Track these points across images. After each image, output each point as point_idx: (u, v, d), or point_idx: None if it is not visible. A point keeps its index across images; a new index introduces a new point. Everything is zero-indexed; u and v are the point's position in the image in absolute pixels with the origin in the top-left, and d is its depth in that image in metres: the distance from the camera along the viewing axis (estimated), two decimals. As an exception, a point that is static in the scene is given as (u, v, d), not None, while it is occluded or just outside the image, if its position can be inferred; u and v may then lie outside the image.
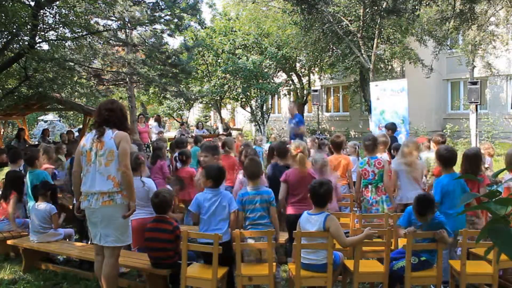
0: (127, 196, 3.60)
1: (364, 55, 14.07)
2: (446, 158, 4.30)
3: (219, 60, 19.02)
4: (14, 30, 8.02)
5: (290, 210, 4.52)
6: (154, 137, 13.86)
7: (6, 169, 6.55)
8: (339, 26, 14.45)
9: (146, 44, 15.12)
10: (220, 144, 6.44)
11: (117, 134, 3.61)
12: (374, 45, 13.82)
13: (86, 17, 10.02)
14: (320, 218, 3.64)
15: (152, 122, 17.54)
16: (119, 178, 3.58)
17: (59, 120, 25.74)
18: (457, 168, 4.50)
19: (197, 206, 4.00)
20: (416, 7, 12.80)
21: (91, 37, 10.76)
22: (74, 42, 10.08)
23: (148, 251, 4.09)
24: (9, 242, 5.03)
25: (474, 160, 4.33)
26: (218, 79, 18.98)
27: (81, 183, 3.69)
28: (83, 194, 3.67)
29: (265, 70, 18.58)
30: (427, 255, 3.73)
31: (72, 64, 12.15)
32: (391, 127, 8.30)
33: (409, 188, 5.04)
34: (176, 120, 26.54)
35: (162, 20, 14.08)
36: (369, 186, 5.10)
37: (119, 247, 3.76)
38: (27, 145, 12.22)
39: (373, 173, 5.09)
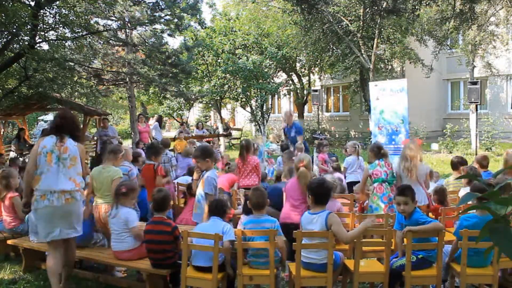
0: (83, 192, 4.21)
1: (364, 55, 14.07)
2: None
3: (219, 60, 19.00)
4: (14, 30, 8.01)
5: (287, 219, 4.54)
6: (157, 136, 13.84)
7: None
8: (339, 26, 14.45)
9: (146, 44, 15.10)
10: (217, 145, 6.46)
11: (79, 145, 4.16)
12: (374, 45, 13.82)
13: (86, 17, 10.00)
14: (321, 217, 3.66)
15: (152, 122, 17.54)
16: (79, 180, 4.04)
17: (59, 120, 25.68)
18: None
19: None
20: (416, 7, 12.81)
21: (91, 37, 10.76)
22: (74, 42, 10.07)
23: (147, 252, 4.09)
24: (9, 242, 5.03)
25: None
26: (218, 79, 18.96)
27: (32, 181, 3.97)
28: (41, 192, 3.90)
29: (265, 70, 18.57)
30: (423, 252, 3.75)
31: (72, 64, 12.14)
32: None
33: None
34: (176, 120, 26.53)
35: (162, 20, 14.03)
36: (384, 184, 5.23)
37: None
38: (27, 145, 12.23)
39: (385, 173, 5.27)
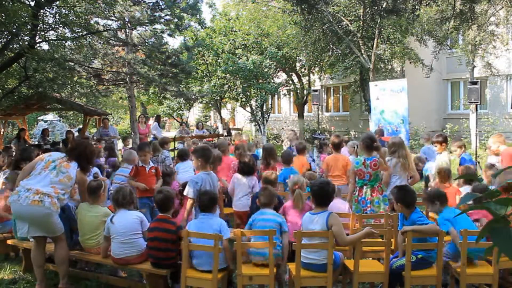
0: (55, 204, 4.00)
1: (364, 55, 14.06)
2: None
3: (219, 60, 19.01)
4: (14, 30, 8.01)
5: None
6: (155, 135, 13.79)
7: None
8: (339, 26, 14.45)
9: (146, 44, 15.10)
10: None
11: (79, 172, 4.27)
12: (374, 45, 13.81)
13: (86, 17, 10.00)
14: (322, 217, 3.66)
15: (151, 122, 17.55)
16: (59, 191, 4.04)
17: (59, 120, 25.74)
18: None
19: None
20: (416, 7, 12.80)
21: (91, 37, 10.76)
22: (74, 42, 10.08)
23: (149, 250, 4.08)
24: (9, 242, 5.02)
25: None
26: (218, 79, 18.97)
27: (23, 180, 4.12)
28: (17, 188, 4.04)
29: (265, 70, 18.57)
30: (423, 252, 3.76)
31: (72, 64, 12.14)
32: (379, 132, 8.43)
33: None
34: (176, 120, 26.54)
35: (162, 20, 14.04)
36: (364, 187, 5.10)
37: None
38: (27, 145, 12.22)
39: (368, 174, 5.08)
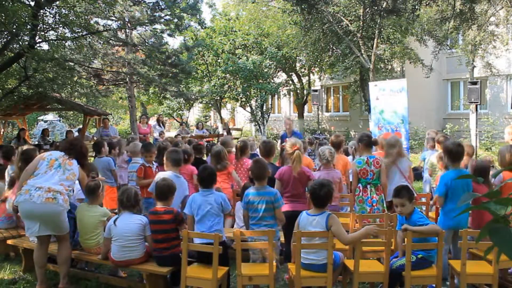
0: (67, 200, 4.11)
1: (364, 55, 14.06)
2: (454, 153, 4.29)
3: (219, 60, 19.03)
4: (14, 30, 8.01)
5: (284, 207, 4.52)
6: (156, 135, 13.82)
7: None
8: (339, 26, 14.45)
9: (146, 44, 15.11)
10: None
11: (80, 169, 4.39)
12: (374, 45, 13.81)
13: (86, 17, 10.01)
14: (321, 218, 3.65)
15: (152, 122, 17.55)
16: (68, 189, 4.15)
17: (59, 120, 25.74)
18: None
19: (190, 207, 4.03)
20: (416, 7, 12.79)
21: (91, 37, 10.76)
22: (74, 42, 10.08)
23: (153, 243, 4.12)
24: (9, 242, 5.02)
25: (482, 172, 4.31)
26: (218, 79, 18.99)
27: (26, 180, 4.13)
28: (26, 187, 4.03)
29: (265, 70, 18.58)
30: (423, 252, 3.76)
31: (72, 64, 12.14)
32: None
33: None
34: (176, 120, 26.55)
35: (162, 20, 14.06)
36: (368, 186, 5.05)
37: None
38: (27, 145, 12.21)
39: (372, 173, 5.06)
